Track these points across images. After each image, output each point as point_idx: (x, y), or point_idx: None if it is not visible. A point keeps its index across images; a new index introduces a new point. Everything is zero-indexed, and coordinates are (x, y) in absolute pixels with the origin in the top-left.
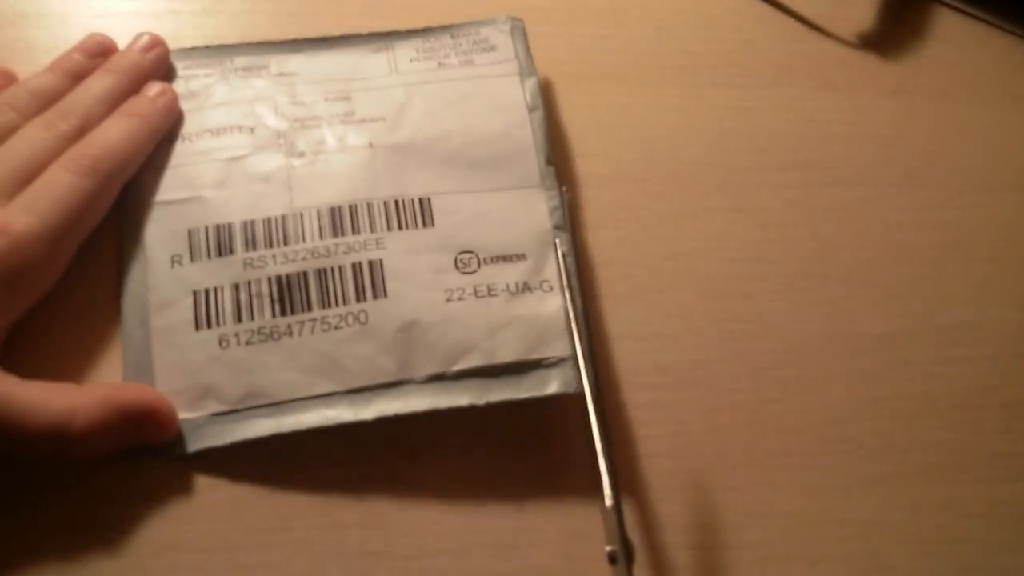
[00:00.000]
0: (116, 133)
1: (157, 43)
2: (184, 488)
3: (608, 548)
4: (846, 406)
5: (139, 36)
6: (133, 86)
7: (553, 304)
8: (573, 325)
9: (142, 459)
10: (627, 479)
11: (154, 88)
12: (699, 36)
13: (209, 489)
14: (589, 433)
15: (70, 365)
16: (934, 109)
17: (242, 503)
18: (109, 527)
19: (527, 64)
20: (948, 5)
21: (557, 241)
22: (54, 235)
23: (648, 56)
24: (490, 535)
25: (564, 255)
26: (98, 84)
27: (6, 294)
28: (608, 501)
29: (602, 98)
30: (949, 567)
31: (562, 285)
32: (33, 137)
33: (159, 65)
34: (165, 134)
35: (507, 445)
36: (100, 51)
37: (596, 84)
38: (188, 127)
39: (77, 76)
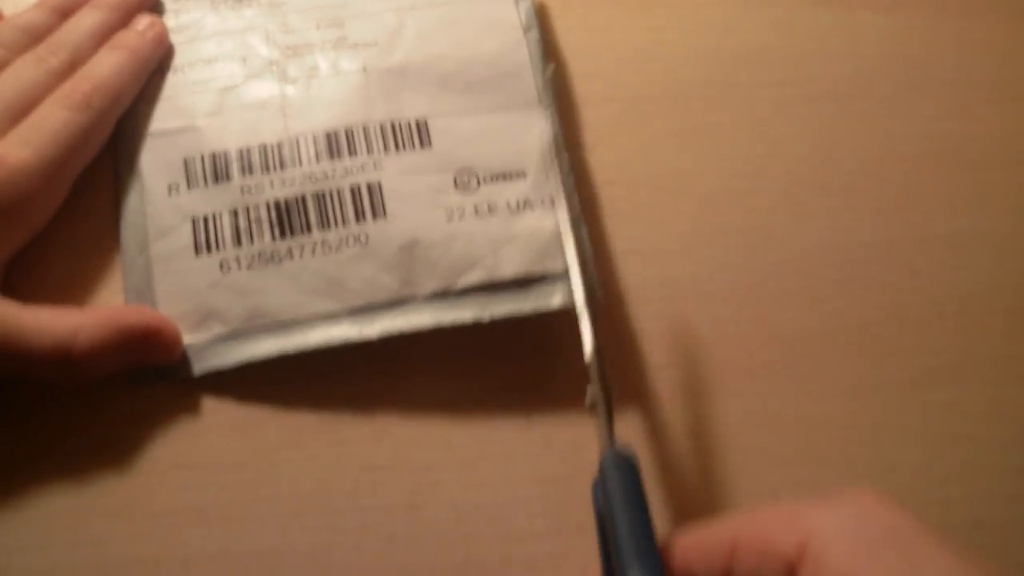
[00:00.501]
0: (108, 67)
1: None
2: (191, 409)
3: (588, 398)
4: (850, 314)
5: None
6: (122, 21)
7: (555, 219)
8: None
9: (149, 383)
10: (633, 389)
11: (143, 21)
12: None
13: (215, 410)
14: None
15: (71, 295)
16: (931, 23)
17: (249, 422)
18: (117, 448)
19: None
20: None
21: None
22: (49, 168)
23: None
24: (497, 447)
25: (556, 138)
26: (87, 19)
27: (3, 226)
28: (588, 357)
29: (597, 19)
30: (957, 467)
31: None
32: (23, 73)
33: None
34: (155, 66)
35: (512, 360)
36: None
37: (591, 6)
38: (180, 59)
39: (65, 12)
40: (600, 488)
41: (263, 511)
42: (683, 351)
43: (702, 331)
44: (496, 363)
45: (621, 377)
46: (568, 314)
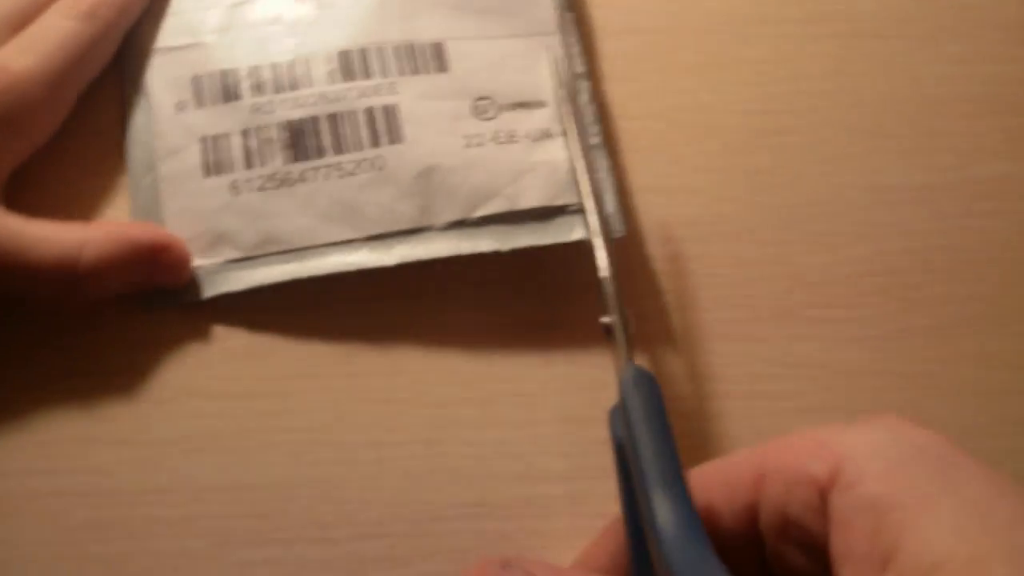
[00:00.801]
0: None
1: None
2: (201, 336)
3: (604, 319)
4: (879, 258)
5: None
6: None
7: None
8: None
9: (157, 307)
10: (654, 333)
11: None
12: None
13: (227, 337)
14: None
15: (75, 215)
16: None
17: (262, 351)
18: (125, 374)
19: None
20: None
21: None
22: (53, 77)
23: None
24: (516, 383)
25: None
26: None
27: (2, 137)
28: (603, 272)
29: None
30: (988, 418)
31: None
32: None
33: None
34: None
35: (532, 297)
36: None
37: None
38: None
39: None
40: (619, 412)
41: (275, 441)
42: (705, 293)
43: (725, 273)
44: (517, 300)
45: (640, 318)
46: (588, 252)
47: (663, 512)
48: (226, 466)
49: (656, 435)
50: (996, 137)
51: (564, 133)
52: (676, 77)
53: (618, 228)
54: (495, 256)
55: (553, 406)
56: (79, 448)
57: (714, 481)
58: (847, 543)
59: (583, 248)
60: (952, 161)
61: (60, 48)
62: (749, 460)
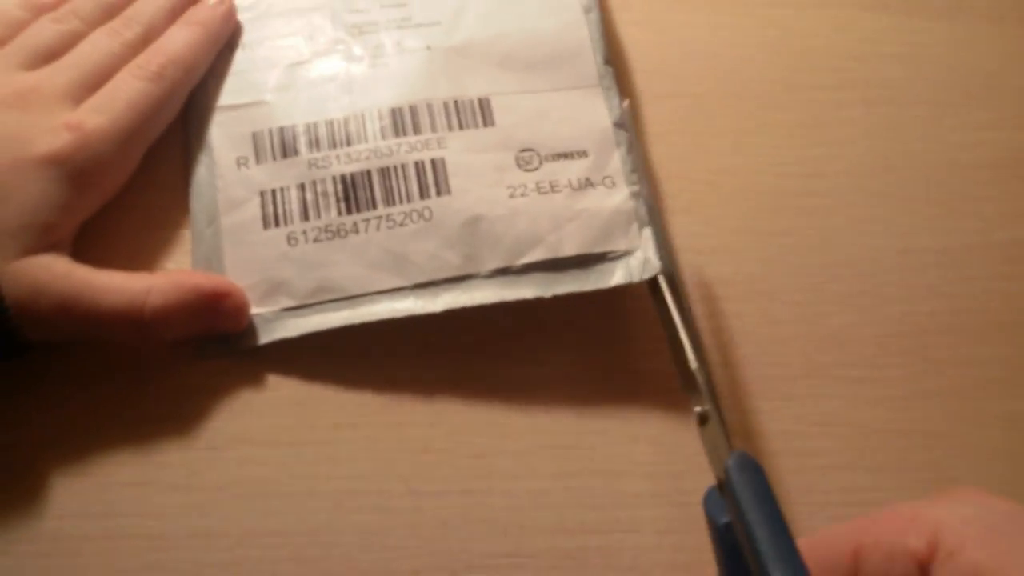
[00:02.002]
0: (181, 41)
1: None
2: (251, 385)
3: (698, 408)
4: (906, 320)
5: None
6: None
7: (616, 198)
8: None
9: (214, 354)
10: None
11: None
12: None
13: (277, 386)
14: (664, 309)
15: (140, 266)
16: (990, 32)
17: (308, 400)
18: (179, 420)
19: None
20: None
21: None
22: (123, 135)
23: None
24: (552, 436)
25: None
26: None
27: (76, 191)
28: (694, 364)
29: (659, 15)
30: (1013, 480)
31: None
32: (99, 44)
33: None
34: (225, 41)
35: (570, 350)
36: None
37: (650, 3)
38: (249, 36)
39: None
40: (717, 495)
41: (319, 489)
42: (740, 351)
43: (757, 331)
44: (553, 353)
45: (673, 375)
46: (625, 306)
47: None
48: (272, 512)
49: (769, 518)
50: (1021, 202)
51: (613, 183)
52: (712, 140)
53: (655, 266)
54: (533, 308)
55: (588, 459)
56: (134, 492)
57: (809, 556)
58: None
59: (618, 299)
60: (978, 225)
61: (131, 107)
62: (845, 536)
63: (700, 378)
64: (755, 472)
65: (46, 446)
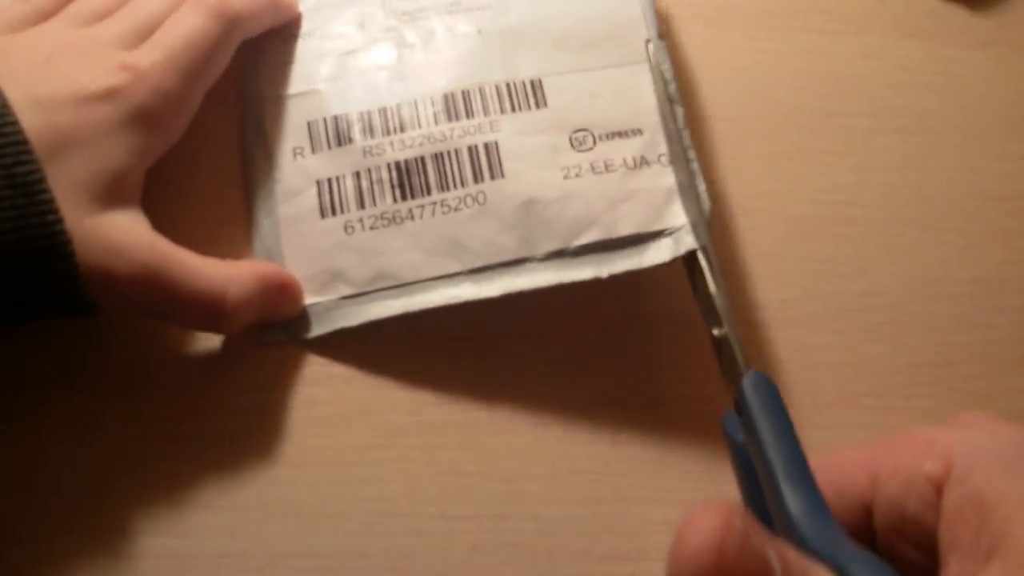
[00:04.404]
0: None
1: None
2: (282, 405)
3: (715, 331)
4: (937, 350)
5: None
6: None
7: (671, 176)
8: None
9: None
10: (716, 415)
11: None
12: None
13: (308, 406)
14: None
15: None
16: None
17: (340, 420)
18: (209, 440)
19: None
20: None
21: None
22: (180, 70)
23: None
24: (582, 462)
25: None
26: None
27: (139, 130)
28: (712, 287)
29: (696, 38)
30: None
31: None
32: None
33: None
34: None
35: (601, 374)
36: None
37: (688, 25)
38: (301, 26)
39: None
40: (734, 416)
41: (350, 511)
42: (771, 378)
43: (788, 359)
44: (584, 377)
45: (704, 400)
46: (661, 331)
47: (794, 500)
48: (302, 534)
49: (781, 432)
50: None
51: (669, 160)
52: (746, 165)
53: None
54: (566, 331)
55: (617, 486)
56: (164, 512)
57: (825, 477)
58: (954, 535)
59: (653, 324)
60: (1011, 256)
61: (187, 44)
62: (861, 458)
63: (718, 302)
64: (769, 391)
65: (69, 464)
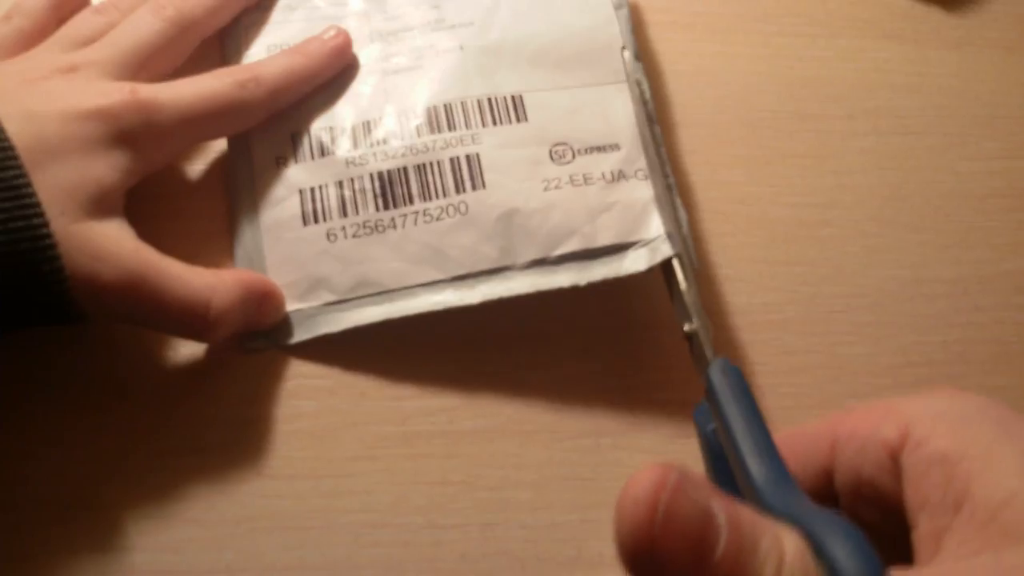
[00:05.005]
0: (278, 66)
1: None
2: (268, 417)
3: (686, 327)
4: (919, 350)
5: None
6: None
7: (649, 189)
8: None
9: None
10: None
11: (329, 31)
12: None
13: (293, 418)
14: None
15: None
16: (1000, 62)
17: (326, 432)
18: (197, 453)
19: None
20: None
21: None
22: (180, 111)
23: (717, 4)
24: (568, 468)
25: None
26: None
27: (126, 150)
28: (682, 283)
29: (672, 44)
30: None
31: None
32: (141, 21)
33: None
34: (332, 75)
35: (585, 380)
36: None
37: (666, 31)
38: (289, 43)
39: None
40: (706, 407)
41: (337, 523)
42: (754, 380)
43: (772, 361)
44: (568, 385)
45: (689, 405)
46: (644, 336)
47: (758, 470)
48: (290, 546)
49: (745, 411)
50: None
51: (646, 175)
52: (724, 170)
53: (692, 253)
54: (549, 336)
55: (605, 491)
56: (151, 526)
57: (789, 448)
58: (921, 494)
59: (637, 329)
60: (989, 255)
61: (195, 96)
62: (822, 428)
63: (688, 298)
64: (734, 375)
65: (52, 478)
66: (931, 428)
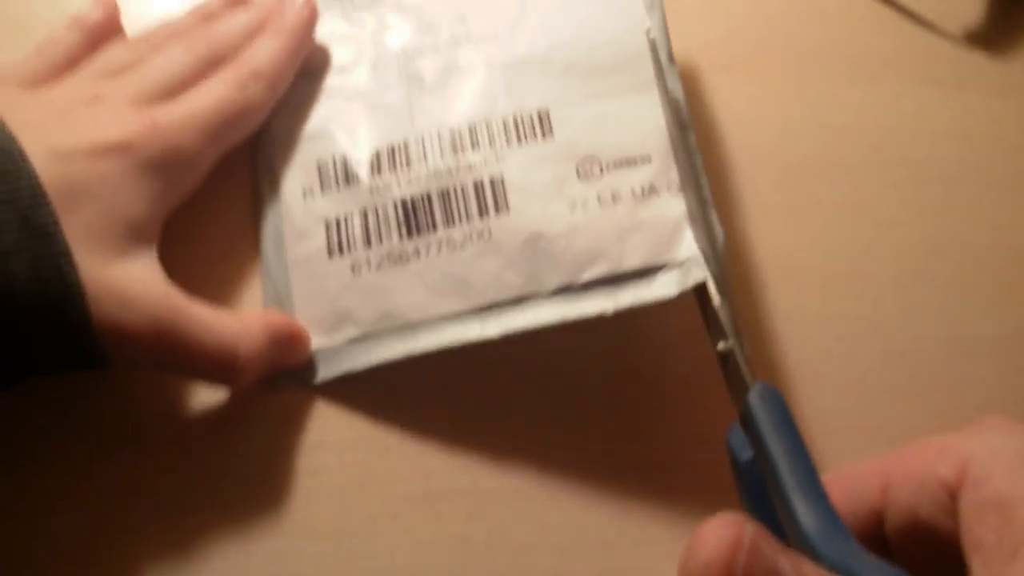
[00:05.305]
0: (266, 52)
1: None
2: (291, 474)
3: (720, 346)
4: (958, 413)
5: None
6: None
7: (681, 204)
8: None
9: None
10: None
11: (296, 2)
12: (808, 29)
13: (315, 474)
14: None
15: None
16: None
17: (348, 489)
18: (218, 509)
19: None
20: None
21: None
22: (199, 129)
23: (757, 47)
24: (594, 533)
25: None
26: (240, 17)
27: (153, 180)
28: (716, 300)
29: (710, 88)
30: None
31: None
32: (173, 56)
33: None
34: (309, 46)
35: (613, 439)
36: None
37: (705, 74)
38: (313, 64)
39: (215, 20)
40: (740, 430)
41: None
42: None
43: (805, 423)
44: (596, 442)
45: (719, 465)
46: (665, 396)
47: (806, 514)
48: None
49: (790, 444)
50: None
51: (679, 187)
52: (760, 218)
53: (726, 271)
54: (574, 392)
55: (630, 556)
56: None
57: (837, 489)
58: (978, 536)
59: (657, 389)
60: None
61: (208, 107)
62: (872, 469)
63: (723, 315)
64: (776, 402)
65: (68, 529)
66: (989, 467)
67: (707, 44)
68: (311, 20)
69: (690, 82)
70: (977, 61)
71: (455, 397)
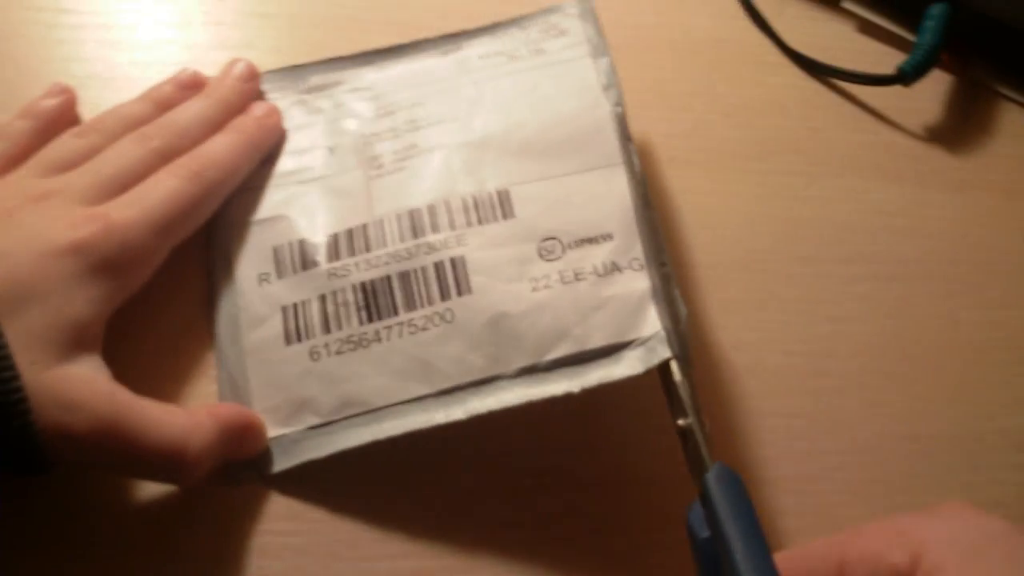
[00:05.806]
0: (222, 146)
1: (253, 75)
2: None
3: (680, 422)
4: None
5: (234, 63)
6: (226, 113)
7: (644, 281)
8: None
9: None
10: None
11: (260, 108)
12: (767, 123)
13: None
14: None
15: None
16: (1001, 206)
17: None
18: None
19: (599, 44)
20: (1016, 101)
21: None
22: (151, 226)
23: (716, 141)
24: None
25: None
26: (192, 107)
27: (102, 281)
28: (677, 376)
29: (669, 182)
30: None
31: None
32: (124, 150)
33: (253, 94)
34: (268, 153)
35: (587, 523)
36: (192, 84)
37: (663, 168)
38: (271, 151)
39: (167, 106)
40: (701, 510)
41: None
42: None
43: (766, 521)
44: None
45: (679, 568)
46: (630, 494)
47: None
48: None
49: (746, 531)
50: None
51: (641, 265)
52: (719, 314)
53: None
54: (562, 476)
55: None
56: None
57: (793, 569)
58: None
59: (624, 486)
60: (990, 410)
61: (161, 202)
62: (829, 549)
63: (682, 391)
64: (734, 484)
65: None
66: (943, 558)
67: (667, 138)
68: (274, 128)
69: (650, 175)
70: (936, 157)
71: (414, 476)
